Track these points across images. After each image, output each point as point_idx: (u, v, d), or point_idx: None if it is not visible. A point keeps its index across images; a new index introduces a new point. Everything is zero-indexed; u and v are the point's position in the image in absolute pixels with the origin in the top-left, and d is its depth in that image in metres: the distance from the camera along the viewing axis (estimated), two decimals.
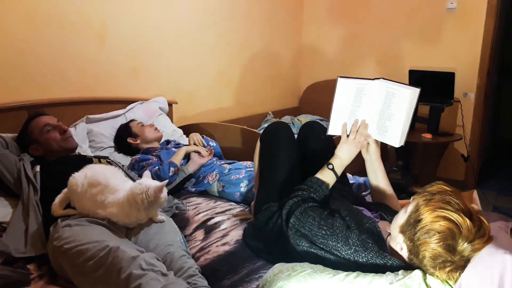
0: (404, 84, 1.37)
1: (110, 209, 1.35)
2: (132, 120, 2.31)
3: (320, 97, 4.08)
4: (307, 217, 1.21)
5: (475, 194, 1.66)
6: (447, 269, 0.97)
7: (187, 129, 2.64)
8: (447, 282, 0.99)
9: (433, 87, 3.23)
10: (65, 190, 1.45)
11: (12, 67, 1.94)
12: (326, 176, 1.36)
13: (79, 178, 1.40)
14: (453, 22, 3.34)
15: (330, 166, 1.37)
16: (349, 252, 1.12)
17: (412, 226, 1.02)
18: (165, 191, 1.37)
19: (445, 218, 0.96)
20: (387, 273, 1.04)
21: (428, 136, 3.14)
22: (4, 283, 1.21)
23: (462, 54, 3.33)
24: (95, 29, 2.26)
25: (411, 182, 3.14)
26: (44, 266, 1.33)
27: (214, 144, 2.35)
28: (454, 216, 0.96)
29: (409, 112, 1.35)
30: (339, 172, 1.38)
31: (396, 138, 1.39)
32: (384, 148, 3.76)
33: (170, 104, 2.71)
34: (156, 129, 2.30)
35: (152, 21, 2.58)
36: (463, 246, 0.95)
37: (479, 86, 3.33)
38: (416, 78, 3.32)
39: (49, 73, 2.08)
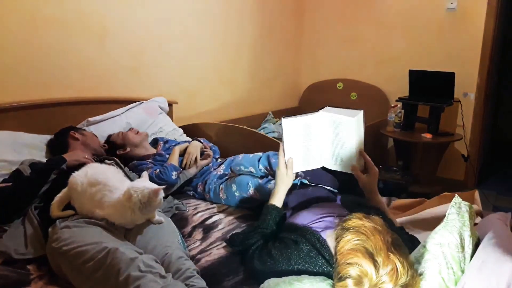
0: (348, 109, 1.35)
1: (107, 209, 1.34)
2: (110, 136, 2.17)
3: (320, 97, 4.08)
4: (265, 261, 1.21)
5: (476, 194, 1.66)
6: None
7: (187, 129, 2.63)
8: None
9: (433, 87, 3.22)
10: (64, 189, 1.45)
11: (13, 67, 1.93)
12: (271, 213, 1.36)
13: (79, 177, 1.40)
14: (453, 22, 3.34)
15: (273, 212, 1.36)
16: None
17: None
18: (160, 194, 1.35)
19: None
20: None
21: (428, 136, 3.14)
22: (4, 283, 1.21)
23: (462, 54, 3.33)
24: (95, 29, 2.26)
25: (411, 182, 3.14)
26: (44, 266, 1.33)
27: (214, 149, 2.32)
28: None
29: (358, 137, 1.34)
30: (280, 204, 1.39)
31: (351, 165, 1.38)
32: (385, 148, 3.78)
33: (170, 104, 2.70)
34: (137, 132, 2.16)
35: (152, 22, 2.58)
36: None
37: (479, 86, 3.32)
38: (416, 78, 3.31)
39: (49, 73, 2.08)
